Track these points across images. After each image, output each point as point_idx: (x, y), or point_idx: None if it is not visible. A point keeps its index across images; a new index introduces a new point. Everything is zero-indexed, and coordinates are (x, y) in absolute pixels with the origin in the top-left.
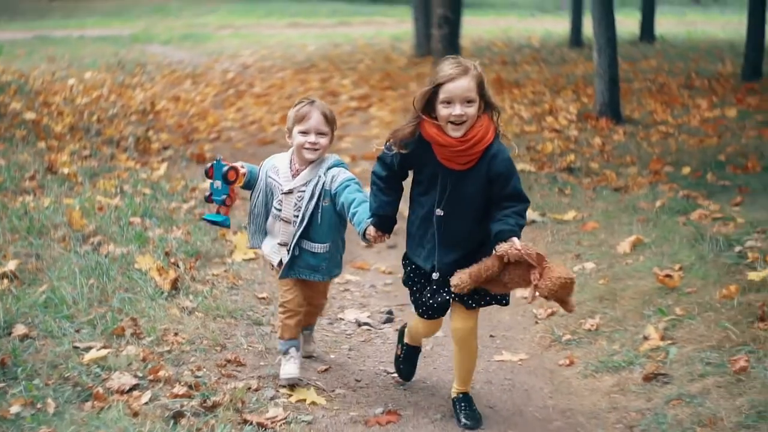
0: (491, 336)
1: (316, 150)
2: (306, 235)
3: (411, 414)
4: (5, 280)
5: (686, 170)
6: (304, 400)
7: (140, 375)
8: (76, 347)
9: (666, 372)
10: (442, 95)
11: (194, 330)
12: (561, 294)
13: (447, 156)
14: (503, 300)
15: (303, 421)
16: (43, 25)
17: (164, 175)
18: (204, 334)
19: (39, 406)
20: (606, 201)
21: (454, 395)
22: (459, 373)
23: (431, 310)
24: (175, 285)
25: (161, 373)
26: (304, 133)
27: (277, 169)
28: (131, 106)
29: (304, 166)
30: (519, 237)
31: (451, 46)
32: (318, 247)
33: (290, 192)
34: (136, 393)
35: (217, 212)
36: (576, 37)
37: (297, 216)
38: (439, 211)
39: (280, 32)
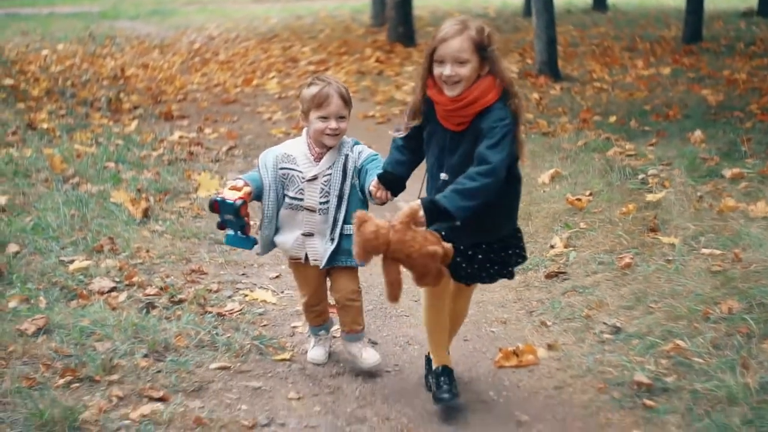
0: None
1: (336, 135)
2: (344, 218)
3: None
4: None
5: (612, 119)
6: (257, 298)
7: (117, 280)
8: (61, 261)
9: (565, 271)
10: (436, 55)
11: (163, 248)
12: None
13: (443, 114)
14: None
15: (255, 312)
16: (11, 3)
17: (135, 130)
18: (172, 250)
19: (32, 302)
20: (534, 143)
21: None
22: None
23: None
24: (146, 213)
25: (135, 279)
26: (324, 118)
27: (291, 157)
28: (103, 73)
29: (326, 149)
30: (444, 206)
31: (404, 14)
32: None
33: (314, 178)
34: (114, 293)
35: (236, 233)
36: (529, 7)
37: (325, 202)
38: (443, 175)
39: (245, 7)
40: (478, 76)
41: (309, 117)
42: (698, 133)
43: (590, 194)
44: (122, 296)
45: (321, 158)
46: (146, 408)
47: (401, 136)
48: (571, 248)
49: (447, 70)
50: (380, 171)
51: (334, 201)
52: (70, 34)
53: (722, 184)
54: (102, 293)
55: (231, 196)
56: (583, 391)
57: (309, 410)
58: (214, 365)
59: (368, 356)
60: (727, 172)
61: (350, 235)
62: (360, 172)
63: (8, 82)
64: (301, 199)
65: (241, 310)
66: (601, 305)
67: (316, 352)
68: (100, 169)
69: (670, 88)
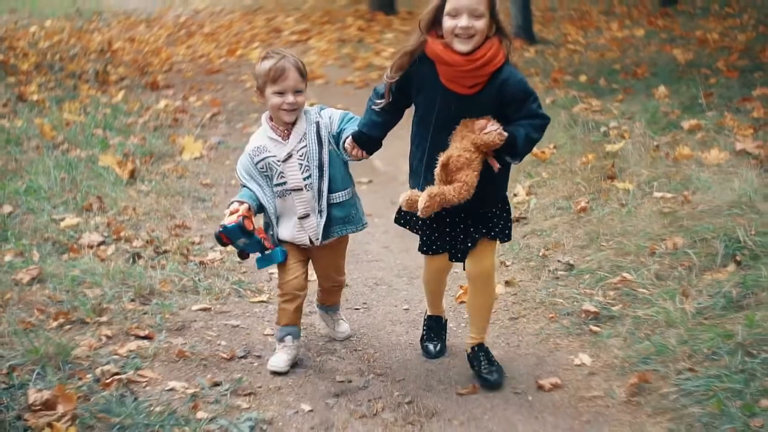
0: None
1: (294, 110)
2: (329, 187)
3: None
4: None
5: (583, 78)
6: None
7: (106, 235)
8: (53, 219)
9: (526, 216)
10: (448, 6)
11: (149, 205)
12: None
13: (451, 77)
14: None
15: (235, 261)
16: None
17: (122, 100)
18: (157, 208)
19: (26, 255)
20: None
21: (469, 349)
22: (474, 320)
23: (431, 243)
24: (132, 175)
25: (123, 233)
26: (280, 93)
27: (262, 147)
28: (90, 48)
29: (291, 125)
30: (519, 146)
31: None
32: (342, 195)
33: (289, 156)
34: (102, 247)
35: (260, 254)
36: None
37: (308, 176)
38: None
39: None
40: (486, 37)
41: (265, 92)
42: (662, 89)
43: (554, 147)
44: (110, 249)
45: (288, 135)
46: (133, 345)
47: (382, 96)
48: (532, 195)
49: (463, 22)
50: (355, 130)
51: (315, 173)
52: (58, 10)
53: (680, 135)
54: (91, 247)
55: (229, 220)
56: (535, 320)
57: None
58: (196, 307)
59: (342, 328)
60: (686, 124)
61: (339, 203)
62: (339, 135)
63: None
64: (285, 183)
65: (221, 259)
66: (557, 246)
67: (277, 358)
68: (88, 136)
69: (642, 48)
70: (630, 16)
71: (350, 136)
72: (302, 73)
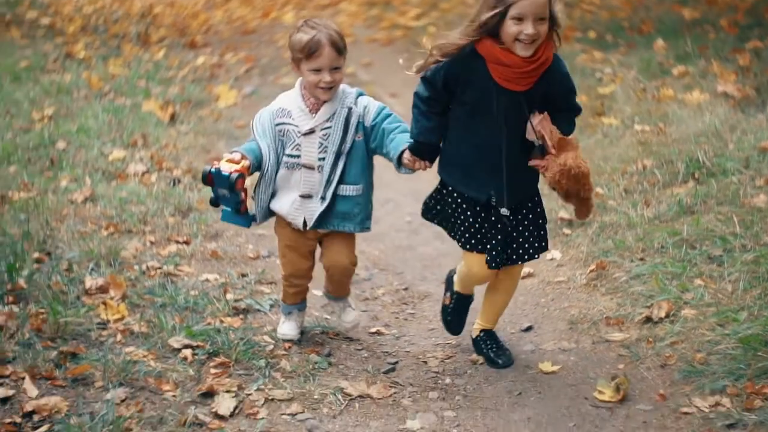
0: None
1: (331, 89)
2: (340, 177)
3: None
4: (46, 119)
5: (592, 35)
6: None
7: (149, 165)
8: (102, 153)
9: None
10: (514, 11)
11: (187, 142)
12: (568, 185)
13: (508, 76)
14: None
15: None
16: None
17: (163, 57)
18: (195, 144)
19: (79, 181)
20: None
21: (475, 333)
22: (489, 310)
23: (481, 237)
24: (173, 118)
25: (164, 164)
26: (317, 71)
27: (287, 111)
28: (132, 12)
29: (322, 100)
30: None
31: None
32: (351, 189)
33: (311, 132)
34: (146, 175)
35: (231, 210)
36: None
37: (323, 158)
38: (503, 138)
39: None
40: None
41: (300, 67)
42: (660, 42)
43: None
44: (153, 176)
45: (318, 110)
46: (173, 248)
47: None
48: None
49: (530, 29)
50: (409, 144)
51: (330, 158)
52: None
53: (669, 80)
54: (136, 175)
55: (227, 168)
56: None
57: None
58: None
59: (349, 317)
60: (675, 71)
61: (346, 196)
62: (373, 129)
63: (45, 21)
64: (299, 156)
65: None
66: None
67: (286, 327)
68: (132, 87)
69: (653, 8)
70: None
71: (407, 151)
72: (339, 49)
